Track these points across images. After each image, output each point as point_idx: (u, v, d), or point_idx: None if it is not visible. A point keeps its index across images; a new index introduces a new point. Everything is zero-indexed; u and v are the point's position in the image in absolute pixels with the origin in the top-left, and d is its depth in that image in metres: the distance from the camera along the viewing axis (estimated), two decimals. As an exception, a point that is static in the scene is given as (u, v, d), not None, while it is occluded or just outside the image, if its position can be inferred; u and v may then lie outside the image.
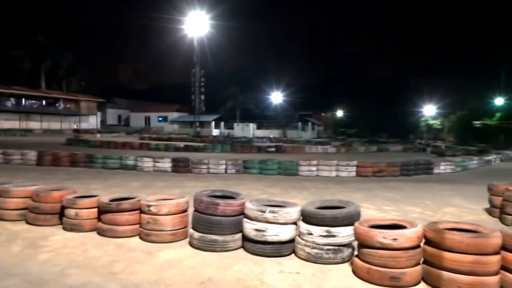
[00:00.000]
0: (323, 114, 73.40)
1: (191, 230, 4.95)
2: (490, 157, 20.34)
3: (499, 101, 47.05)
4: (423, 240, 3.99)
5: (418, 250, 3.93)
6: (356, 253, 4.29)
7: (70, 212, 5.40)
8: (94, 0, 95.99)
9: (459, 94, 48.53)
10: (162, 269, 4.18)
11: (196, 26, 40.92)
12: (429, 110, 58.36)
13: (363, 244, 4.03)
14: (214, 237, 4.71)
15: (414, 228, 3.98)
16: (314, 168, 13.26)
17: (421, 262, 3.97)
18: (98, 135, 42.17)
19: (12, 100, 50.56)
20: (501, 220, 6.86)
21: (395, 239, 3.83)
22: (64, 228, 5.45)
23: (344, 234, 4.40)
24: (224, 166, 13.30)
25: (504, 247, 3.76)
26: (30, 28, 57.45)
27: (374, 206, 7.84)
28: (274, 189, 9.91)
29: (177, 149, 24.13)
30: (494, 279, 3.66)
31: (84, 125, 58.28)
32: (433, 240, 3.87)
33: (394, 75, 60.08)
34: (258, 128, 62.14)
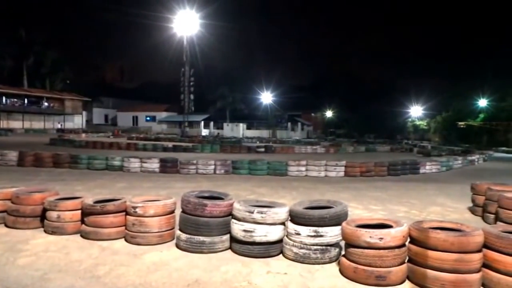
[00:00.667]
0: (312, 114, 73.75)
1: (178, 232, 4.92)
2: (473, 157, 20.90)
3: (482, 102, 47.73)
4: (408, 239, 4.03)
5: (403, 249, 3.97)
6: (343, 252, 4.31)
7: (52, 214, 5.26)
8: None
9: (445, 96, 49.15)
10: (148, 272, 4.13)
11: (186, 25, 40.71)
12: (415, 111, 58.99)
13: (350, 243, 4.06)
14: (201, 238, 4.69)
15: (400, 228, 4.02)
16: (303, 168, 13.30)
17: (406, 260, 4.01)
18: (84, 135, 41.59)
19: (-8, 99, 49.52)
20: (483, 218, 6.99)
21: (381, 238, 3.87)
22: (45, 231, 5.31)
23: (332, 234, 4.42)
24: (213, 167, 13.26)
25: (485, 245, 3.83)
26: (11, 23, 56.30)
27: (361, 206, 7.91)
28: (263, 189, 9.92)
29: (165, 149, 24.04)
30: (476, 276, 3.73)
31: (69, 125, 57.28)
32: (418, 239, 3.92)
33: (382, 77, 60.62)
34: (248, 128, 62.16)
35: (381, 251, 3.87)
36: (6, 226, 5.58)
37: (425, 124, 57.21)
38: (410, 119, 60.44)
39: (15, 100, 52.56)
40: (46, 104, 56.46)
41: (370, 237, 3.89)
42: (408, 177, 13.68)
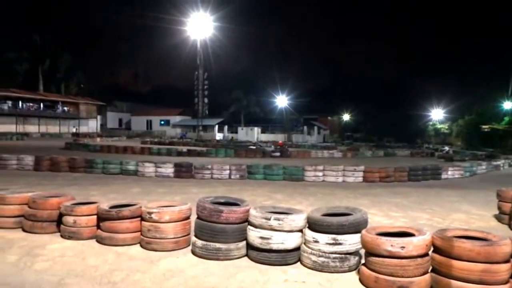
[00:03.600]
0: (329, 118, 73.26)
1: (193, 238, 4.85)
2: (498, 162, 20.20)
3: (507, 105, 46.65)
4: (432, 248, 3.88)
5: (426, 258, 3.82)
6: (363, 261, 4.18)
7: (68, 219, 5.27)
8: (95, 1, 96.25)
9: (468, 98, 48.24)
10: (163, 278, 4.07)
11: (200, 28, 40.76)
12: (436, 114, 58.12)
13: (371, 252, 3.92)
14: (217, 245, 4.60)
15: (423, 236, 3.87)
16: (320, 174, 13.15)
17: (429, 270, 3.86)
18: (98, 139, 41.94)
19: (9, 103, 50.09)
20: (510, 227, 6.74)
21: (403, 247, 3.73)
22: (62, 236, 5.31)
23: (351, 242, 4.29)
24: (228, 172, 13.19)
25: (513, 255, 3.65)
26: (27, 29, 57.31)
27: (381, 212, 7.73)
28: (279, 195, 9.79)
29: (179, 153, 24.10)
30: (504, 288, 3.56)
31: (83, 129, 57.96)
32: (441, 248, 3.76)
33: (401, 79, 59.91)
34: (263, 132, 62.02)
35: (403, 260, 3.72)
36: (24, 230, 5.59)
37: (446, 127, 56.28)
38: (430, 123, 59.54)
39: (31, 104, 53.29)
40: (61, 108, 57.17)
41: (392, 245, 3.75)
42: (430, 183, 13.41)
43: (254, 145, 35.74)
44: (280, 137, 58.78)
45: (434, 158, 26.96)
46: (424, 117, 58.33)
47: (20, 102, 51.54)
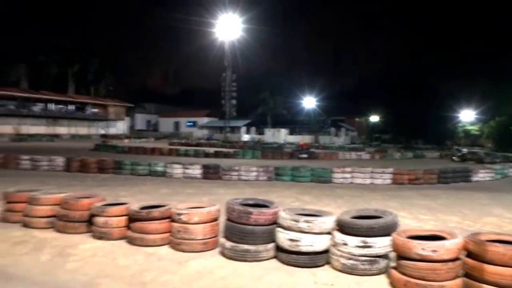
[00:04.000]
0: (357, 119, 72.43)
1: (222, 240, 4.89)
2: (531, 165, 19.39)
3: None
4: (464, 252, 3.82)
5: (458, 262, 3.78)
6: (392, 264, 4.14)
7: (99, 220, 5.37)
8: (123, 3, 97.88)
9: (499, 99, 46.80)
10: (192, 279, 4.12)
11: (228, 29, 40.93)
12: (466, 116, 56.68)
13: (401, 255, 3.89)
14: (246, 246, 4.63)
15: (455, 240, 3.81)
16: (348, 175, 13.02)
17: (460, 274, 3.80)
18: (126, 141, 42.40)
19: (40, 105, 51.49)
20: (545, 231, 6.52)
21: (434, 250, 3.69)
22: (92, 236, 5.42)
23: (381, 244, 4.27)
24: (255, 173, 13.20)
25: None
26: (57, 32, 58.48)
27: (410, 215, 7.62)
28: (306, 197, 9.76)
29: (206, 155, 24.16)
30: (539, 293, 3.47)
31: (112, 130, 58.86)
32: (474, 252, 3.72)
33: (430, 79, 58.58)
34: (290, 133, 61.80)
35: (435, 264, 3.69)
36: (56, 230, 5.73)
37: (476, 129, 54.78)
38: (460, 124, 58.07)
39: (61, 106, 54.51)
40: (90, 110, 58.31)
41: (423, 249, 3.72)
42: (460, 185, 13.08)
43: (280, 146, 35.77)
44: (307, 139, 58.46)
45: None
46: (453, 118, 56.91)
47: (50, 104, 52.85)
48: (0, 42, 50.58)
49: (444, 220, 7.34)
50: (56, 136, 46.90)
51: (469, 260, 3.75)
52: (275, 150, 29.68)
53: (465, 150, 30.74)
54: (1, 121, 46.68)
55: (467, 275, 3.77)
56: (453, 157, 25.66)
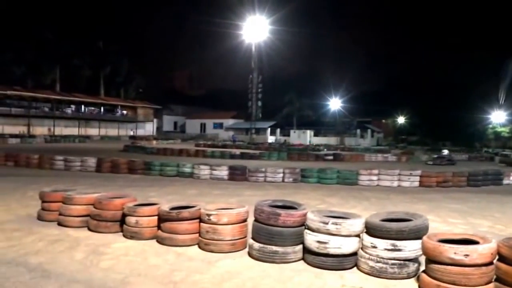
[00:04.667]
0: (383, 120, 71.48)
1: (250, 241, 4.92)
2: None
3: None
4: (497, 257, 3.74)
5: (491, 267, 3.69)
6: (422, 268, 4.09)
7: (131, 219, 5.47)
8: (151, 6, 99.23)
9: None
10: (222, 279, 4.16)
11: (255, 31, 40.96)
12: (497, 117, 55.12)
13: (432, 259, 3.83)
14: (274, 248, 4.65)
15: (488, 244, 3.73)
16: (374, 178, 12.90)
17: (493, 280, 3.72)
18: (154, 142, 43.00)
19: (72, 107, 53.34)
20: None
21: (466, 255, 3.62)
22: (124, 236, 5.52)
23: (411, 248, 4.22)
24: (281, 175, 13.21)
25: None
26: (90, 36, 59.81)
27: (439, 218, 7.49)
28: (333, 199, 9.71)
29: (232, 156, 24.35)
30: None
31: (140, 132, 60.05)
32: (508, 257, 3.62)
33: (458, 80, 57.19)
34: (315, 135, 61.50)
35: (467, 268, 3.61)
36: (89, 229, 5.86)
37: (507, 131, 53.25)
38: (490, 125, 56.54)
39: (93, 108, 56.19)
40: (120, 112, 59.51)
41: (455, 253, 3.65)
42: (490, 189, 12.78)
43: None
44: (332, 140, 58.10)
45: (494, 163, 25.65)
46: (483, 119, 55.45)
47: (82, 106, 54.53)
48: (36, 45, 52.05)
49: (474, 224, 7.19)
50: (88, 137, 48.13)
51: (503, 265, 3.67)
52: (301, 152, 29.58)
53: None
54: (37, 122, 48.42)
55: (499, 280, 3.69)
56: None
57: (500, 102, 53.46)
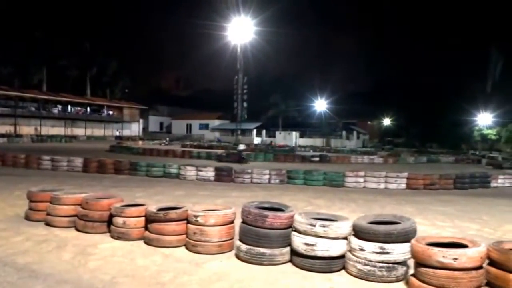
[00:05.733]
0: (368, 122, 72.03)
1: (237, 242, 4.87)
2: (554, 170, 19.04)
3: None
4: (487, 261, 3.73)
5: (481, 271, 3.67)
6: (411, 271, 4.06)
7: (118, 220, 5.43)
8: (138, 6, 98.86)
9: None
10: (210, 281, 4.11)
11: (240, 32, 41.01)
12: (484, 119, 55.84)
13: (421, 262, 3.80)
14: (261, 250, 4.60)
15: (477, 248, 3.71)
16: (361, 180, 12.93)
17: (483, 284, 3.70)
18: (140, 142, 42.97)
19: (59, 107, 53.01)
20: None
21: (455, 258, 3.59)
22: (111, 236, 5.48)
23: (399, 251, 4.18)
24: (267, 176, 13.19)
25: None
26: (77, 36, 59.50)
27: (427, 221, 7.49)
28: (320, 201, 9.67)
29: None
30: None
31: (126, 132, 59.90)
32: (498, 261, 3.62)
33: (444, 82, 57.81)
34: (301, 136, 61.69)
35: (456, 272, 3.59)
36: (76, 229, 5.81)
37: (494, 133, 53.96)
38: (476, 128, 57.25)
39: (79, 108, 55.97)
40: (106, 112, 59.29)
41: (444, 256, 3.62)
42: (478, 191, 12.90)
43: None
44: (318, 142, 58.33)
45: (481, 165, 25.96)
46: (469, 122, 56.16)
47: (69, 106, 54.35)
48: (23, 45, 51.51)
49: (462, 227, 7.20)
50: (74, 137, 47.99)
51: (493, 269, 3.66)
52: (287, 153, 29.58)
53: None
54: (23, 122, 48.05)
55: (489, 284, 3.68)
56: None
57: (488, 90, 54.02)
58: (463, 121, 54.89)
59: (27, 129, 47.31)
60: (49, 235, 5.59)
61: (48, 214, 6.08)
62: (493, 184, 14.12)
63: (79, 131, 53.87)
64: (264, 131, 63.21)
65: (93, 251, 4.96)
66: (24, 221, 6.33)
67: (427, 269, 3.72)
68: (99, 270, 4.34)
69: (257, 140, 58.98)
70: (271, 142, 54.33)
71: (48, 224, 6.03)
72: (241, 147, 25.74)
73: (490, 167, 23.67)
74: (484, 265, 3.73)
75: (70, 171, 14.77)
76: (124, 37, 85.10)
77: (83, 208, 5.82)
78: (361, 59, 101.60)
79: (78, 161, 15.08)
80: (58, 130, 50.98)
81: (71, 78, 60.42)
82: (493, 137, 54.21)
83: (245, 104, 45.80)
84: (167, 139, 38.11)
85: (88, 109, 57.08)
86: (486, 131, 55.73)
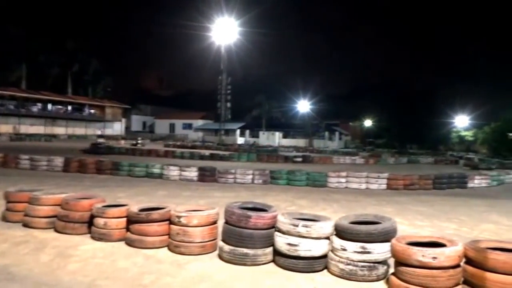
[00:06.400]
0: (350, 123, 72.60)
1: (221, 243, 4.88)
2: (528, 171, 19.38)
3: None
4: (464, 259, 3.82)
5: (458, 269, 3.76)
6: (391, 270, 4.13)
7: (99, 221, 5.35)
8: (121, 6, 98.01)
9: (494, 104, 46.97)
10: (192, 282, 4.11)
11: (224, 33, 40.97)
12: (461, 121, 56.92)
13: (401, 262, 3.87)
14: (245, 250, 4.62)
15: (455, 247, 3.81)
16: (343, 180, 13.04)
17: (461, 282, 3.79)
18: (122, 142, 42.46)
19: (39, 105, 51.93)
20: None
21: (434, 257, 3.68)
22: (92, 238, 5.40)
23: (380, 250, 4.26)
24: (251, 176, 13.20)
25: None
26: (58, 34, 58.71)
27: (407, 221, 7.62)
28: (303, 201, 9.74)
29: (202, 157, 24.20)
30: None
31: (108, 131, 59.11)
32: (475, 260, 3.70)
33: (424, 84, 58.81)
34: (284, 137, 61.87)
35: (435, 271, 3.68)
36: (56, 231, 5.71)
37: (471, 134, 55.01)
38: (454, 129, 58.32)
39: (60, 107, 55.01)
40: (88, 111, 58.52)
41: (423, 255, 3.70)
42: (455, 192, 13.09)
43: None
44: (301, 142, 58.55)
45: (459, 166, 26.44)
46: (447, 124, 57.15)
47: (49, 105, 53.29)
48: (1, 42, 50.49)
49: (441, 226, 7.35)
50: (54, 136, 47.05)
51: (469, 268, 3.74)
52: (270, 153, 29.66)
53: (472, 155, 29.64)
54: (1, 120, 47.08)
55: (466, 282, 3.76)
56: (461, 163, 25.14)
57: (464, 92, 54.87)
58: (442, 123, 55.81)
59: (5, 127, 46.31)
60: (27, 236, 5.48)
61: (26, 215, 5.96)
62: (470, 185, 14.36)
63: (60, 130, 53.00)
64: (247, 131, 63.17)
65: (73, 252, 4.88)
66: (1, 223, 6.20)
67: (407, 268, 3.79)
68: (79, 272, 4.29)
69: (240, 140, 58.92)
70: (254, 142, 54.40)
71: (26, 225, 5.91)
72: (100, 140, 29.21)
73: (467, 168, 24.09)
74: (462, 263, 3.81)
75: (50, 170, 14.53)
76: (107, 35, 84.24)
77: (63, 208, 5.72)
78: (343, 60, 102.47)
79: (59, 161, 14.85)
80: (37, 128, 50.06)
81: (51, 76, 59.47)
82: (470, 138, 55.24)
83: (228, 104, 45.88)
84: (139, 138, 37.25)
85: (70, 107, 56.20)
86: (463, 133, 56.82)
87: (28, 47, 52.91)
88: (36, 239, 5.40)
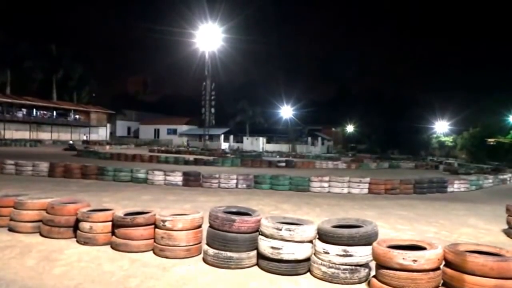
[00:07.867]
0: (333, 129, 73.23)
1: (205, 247, 4.91)
2: (505, 176, 19.80)
3: (514, 118, 46.16)
4: (443, 262, 3.91)
5: (438, 272, 3.86)
6: (373, 273, 4.21)
7: (85, 225, 5.36)
8: (106, 12, 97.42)
9: (473, 111, 47.96)
10: (177, 285, 4.14)
11: (208, 39, 41.04)
12: (441, 127, 57.93)
13: (382, 265, 3.96)
14: (229, 254, 4.66)
15: (435, 250, 3.91)
16: (326, 184, 13.15)
17: (440, 284, 3.88)
18: (107, 147, 42.36)
19: (23, 111, 51.38)
20: (520, 242, 6.71)
21: (415, 260, 3.76)
22: (78, 242, 5.40)
23: (362, 254, 4.33)
24: (235, 181, 13.24)
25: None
26: (43, 39, 58.30)
27: (388, 225, 7.73)
28: (286, 205, 9.82)
29: (186, 162, 24.21)
30: (517, 304, 3.56)
31: (93, 137, 58.95)
32: (454, 263, 3.80)
33: (405, 91, 59.79)
34: (268, 142, 62.01)
35: (415, 273, 3.76)
36: (41, 235, 5.69)
37: (451, 140, 56.02)
38: (435, 135, 59.32)
39: (45, 112, 54.60)
40: (73, 116, 58.16)
41: (403, 258, 3.79)
42: (435, 196, 13.31)
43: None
44: (284, 147, 58.80)
45: (439, 171, 26.87)
46: (428, 129, 58.12)
47: (34, 110, 52.80)
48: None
49: (421, 230, 7.48)
50: (39, 141, 46.62)
51: (449, 270, 3.83)
52: (254, 158, 29.74)
53: (452, 160, 30.78)
54: (-15, 125, 46.12)
55: (446, 284, 3.85)
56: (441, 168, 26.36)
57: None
58: (422, 129, 56.72)
59: (-11, 132, 45.72)
60: (12, 241, 5.46)
61: (11, 219, 5.94)
62: (449, 189, 14.62)
63: (44, 135, 52.71)
64: (231, 137, 63.14)
65: (59, 257, 4.88)
66: (-14, 228, 6.13)
67: (388, 271, 3.87)
68: (65, 276, 4.29)
69: (224, 145, 58.87)
70: (238, 147, 54.40)
71: (11, 230, 5.89)
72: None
73: (447, 172, 24.52)
74: (441, 266, 3.91)
75: (35, 175, 14.42)
76: (91, 41, 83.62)
77: (48, 213, 5.71)
78: (325, 66, 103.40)
79: (44, 166, 14.74)
80: (22, 134, 49.66)
81: (36, 81, 59.10)
82: (450, 144, 56.22)
83: (213, 110, 45.89)
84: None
85: (55, 113, 55.80)
86: (443, 138, 57.81)
87: (12, 52, 52.11)
88: (22, 243, 5.38)
